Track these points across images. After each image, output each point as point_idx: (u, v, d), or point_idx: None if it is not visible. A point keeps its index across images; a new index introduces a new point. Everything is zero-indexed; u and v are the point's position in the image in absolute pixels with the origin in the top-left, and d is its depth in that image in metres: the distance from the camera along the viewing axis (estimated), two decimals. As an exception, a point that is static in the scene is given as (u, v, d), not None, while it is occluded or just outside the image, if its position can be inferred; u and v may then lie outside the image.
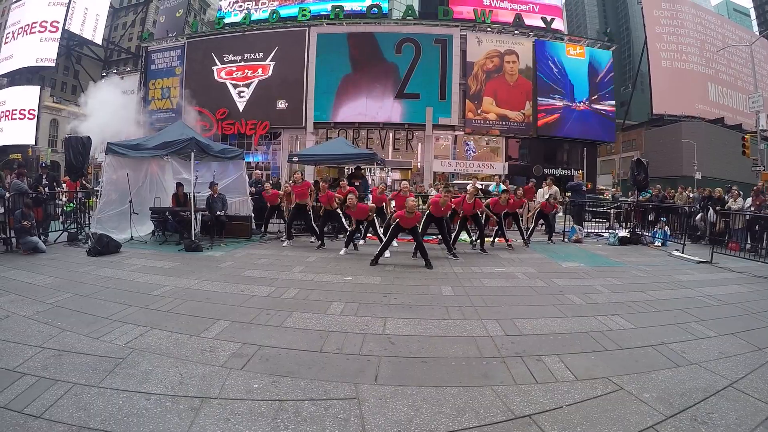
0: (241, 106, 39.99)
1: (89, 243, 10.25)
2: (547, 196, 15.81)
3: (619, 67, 67.79)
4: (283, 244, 11.92)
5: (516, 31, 39.47)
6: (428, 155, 37.87)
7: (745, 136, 29.07)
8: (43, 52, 44.46)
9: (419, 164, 38.83)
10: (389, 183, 32.94)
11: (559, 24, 41.12)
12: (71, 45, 48.82)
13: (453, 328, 5.40)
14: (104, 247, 9.81)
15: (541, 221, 14.36)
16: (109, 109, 14.04)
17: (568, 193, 16.47)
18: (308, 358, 4.44)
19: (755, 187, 15.42)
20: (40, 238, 10.52)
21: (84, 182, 13.56)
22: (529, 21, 40.02)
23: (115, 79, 36.55)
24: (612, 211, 19.24)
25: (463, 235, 12.43)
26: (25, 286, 6.92)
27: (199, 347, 4.62)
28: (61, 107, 49.01)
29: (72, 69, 52.79)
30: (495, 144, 39.77)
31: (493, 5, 40.58)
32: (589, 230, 16.05)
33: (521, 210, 13.92)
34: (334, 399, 3.65)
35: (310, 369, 4.19)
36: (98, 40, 49.20)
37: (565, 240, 14.44)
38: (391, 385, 3.91)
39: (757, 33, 60.25)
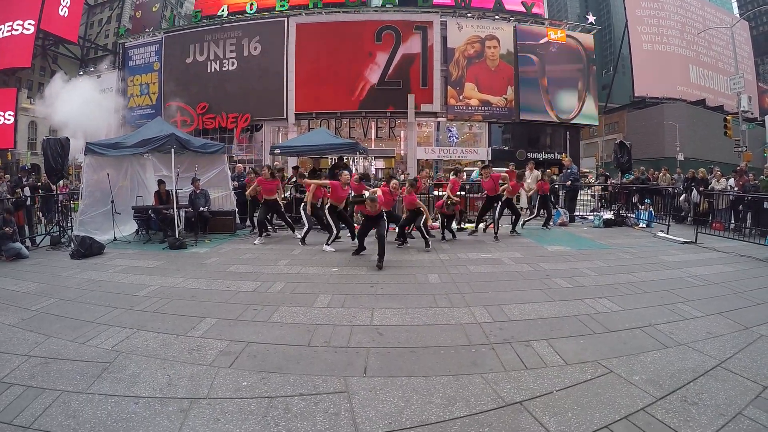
0: (221, 100, 39.56)
1: (72, 246, 10.10)
2: (529, 180, 15.89)
3: (601, 50, 68.03)
4: (255, 242, 11.25)
5: (496, 17, 39.36)
6: (411, 143, 37.78)
7: (727, 117, 29.36)
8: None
9: (402, 152, 38.74)
10: (373, 171, 32.84)
11: (539, 8, 41.05)
12: (46, 44, 47.96)
13: (441, 317, 5.40)
14: (87, 249, 9.67)
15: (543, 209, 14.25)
16: (82, 109, 13.71)
17: (568, 182, 16.41)
18: (296, 353, 4.41)
19: (738, 168, 15.57)
20: (24, 244, 10.35)
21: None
22: (509, 6, 39.89)
23: (91, 79, 35.68)
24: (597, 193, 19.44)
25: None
26: (8, 293, 6.80)
27: (187, 347, 4.58)
28: (39, 110, 48.18)
29: (49, 69, 51.87)
30: (478, 129, 39.78)
31: (473, -10, 40.42)
32: (577, 213, 16.11)
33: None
34: (324, 393, 3.63)
35: (299, 364, 4.17)
36: (74, 38, 48.37)
37: (551, 223, 14.50)
38: (381, 377, 3.90)
39: (738, 15, 60.67)
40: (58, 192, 12.95)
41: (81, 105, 14.36)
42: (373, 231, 9.05)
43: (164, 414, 3.35)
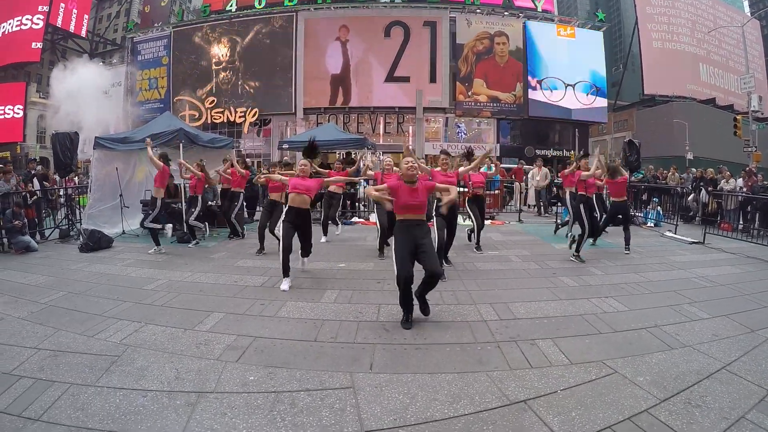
0: (229, 94, 39.66)
1: (81, 239, 10.16)
2: (538, 178, 15.92)
3: (610, 47, 67.59)
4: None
5: (506, 13, 39.21)
6: (419, 138, 37.72)
7: (737, 117, 29.13)
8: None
9: (411, 147, 38.70)
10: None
11: (549, 4, 40.84)
12: (56, 39, 48.13)
13: (447, 314, 5.41)
14: (96, 242, 9.74)
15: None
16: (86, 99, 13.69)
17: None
18: (303, 348, 4.44)
19: (747, 168, 15.49)
20: (33, 237, 10.43)
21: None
22: (518, 2, 39.73)
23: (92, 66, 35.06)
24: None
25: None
26: (18, 286, 6.87)
27: (194, 341, 4.62)
28: (48, 103, 48.34)
29: (57, 63, 51.98)
30: (486, 125, 39.67)
31: (483, -14, 40.30)
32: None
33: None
34: (330, 389, 3.66)
35: (305, 359, 4.20)
36: (83, 33, 48.49)
37: (558, 221, 14.48)
38: (386, 373, 3.93)
39: (749, 14, 60.14)
40: (65, 186, 13.02)
41: (86, 87, 14.34)
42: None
43: (172, 408, 3.39)
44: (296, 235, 6.94)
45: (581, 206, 8.87)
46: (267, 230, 9.25)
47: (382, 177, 8.95)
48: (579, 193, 9.18)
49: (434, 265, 5.00)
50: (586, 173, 9.06)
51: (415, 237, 5.03)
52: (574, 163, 9.84)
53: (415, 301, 5.17)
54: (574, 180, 9.25)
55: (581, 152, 10.17)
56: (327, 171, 10.92)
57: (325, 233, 10.68)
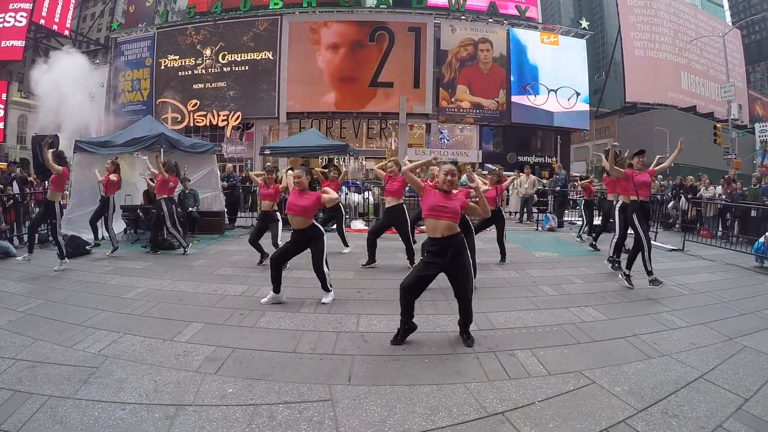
0: (212, 97, 39.49)
1: (60, 244, 10.02)
2: (526, 185, 16.06)
3: (593, 55, 68.35)
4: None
5: (490, 20, 39.54)
6: (402, 144, 37.83)
7: (717, 125, 29.61)
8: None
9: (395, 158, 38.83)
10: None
11: (533, 12, 41.21)
12: (38, 37, 47.63)
13: (426, 324, 5.40)
14: (75, 248, 9.61)
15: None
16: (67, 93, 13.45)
17: (557, 188, 16.57)
18: (282, 360, 4.42)
19: (726, 176, 15.74)
20: (12, 243, 10.27)
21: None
22: (503, 9, 40.08)
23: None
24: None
25: None
26: (-4, 293, 6.75)
27: (173, 352, 4.58)
28: (29, 102, 47.74)
29: (38, 60, 51.30)
30: (469, 132, 39.90)
31: (468, -7, 40.62)
32: (567, 219, 16.20)
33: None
34: (308, 401, 3.65)
35: (284, 371, 4.18)
36: (66, 32, 48.04)
37: (539, 229, 14.59)
38: (365, 385, 3.92)
39: (730, 23, 61.23)
40: (38, 189, 12.85)
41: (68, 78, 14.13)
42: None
43: (150, 421, 3.35)
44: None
45: (635, 215, 7.54)
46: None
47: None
48: (631, 198, 7.76)
49: (463, 290, 4.81)
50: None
51: (443, 261, 4.74)
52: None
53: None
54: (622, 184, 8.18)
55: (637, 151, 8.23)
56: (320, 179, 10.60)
57: (346, 244, 10.37)
